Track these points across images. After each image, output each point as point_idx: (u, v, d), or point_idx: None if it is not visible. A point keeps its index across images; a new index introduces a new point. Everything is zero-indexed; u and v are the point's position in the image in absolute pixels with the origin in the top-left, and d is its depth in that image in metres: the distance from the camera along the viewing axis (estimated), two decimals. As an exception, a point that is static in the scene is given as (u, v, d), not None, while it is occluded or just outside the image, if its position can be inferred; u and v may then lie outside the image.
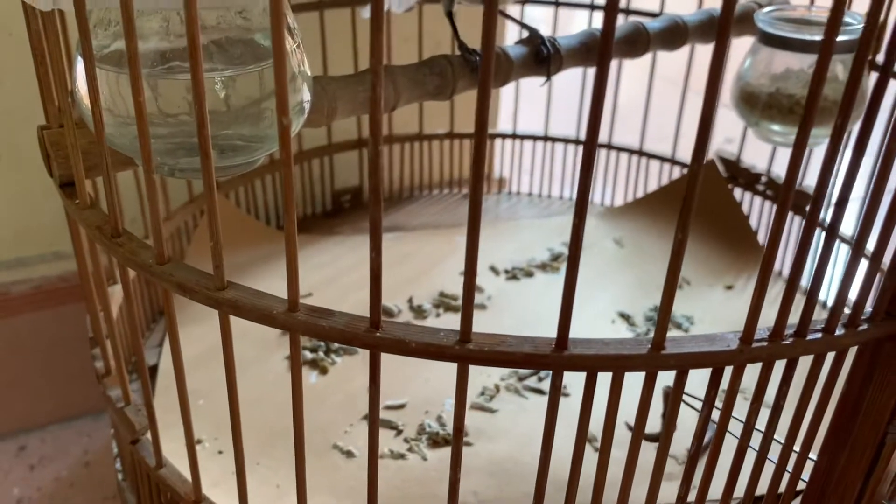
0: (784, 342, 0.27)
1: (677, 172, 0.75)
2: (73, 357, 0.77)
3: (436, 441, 0.50)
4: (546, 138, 0.78)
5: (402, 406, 0.53)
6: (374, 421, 0.28)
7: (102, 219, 0.33)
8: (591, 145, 0.23)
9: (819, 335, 0.27)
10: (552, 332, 0.62)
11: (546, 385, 0.55)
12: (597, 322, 0.62)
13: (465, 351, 0.26)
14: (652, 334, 0.62)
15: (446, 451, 0.49)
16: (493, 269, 0.68)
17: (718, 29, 0.22)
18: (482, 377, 0.56)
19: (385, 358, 0.58)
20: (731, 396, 0.28)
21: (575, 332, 0.63)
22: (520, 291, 0.66)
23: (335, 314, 0.28)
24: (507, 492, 0.46)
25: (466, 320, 0.26)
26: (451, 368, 0.56)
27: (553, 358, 0.26)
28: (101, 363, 0.42)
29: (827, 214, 0.68)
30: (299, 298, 0.28)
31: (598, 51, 0.22)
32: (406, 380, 0.55)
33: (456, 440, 0.28)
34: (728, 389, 0.28)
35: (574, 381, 0.55)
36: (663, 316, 0.26)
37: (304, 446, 0.31)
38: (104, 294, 0.36)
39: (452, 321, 0.61)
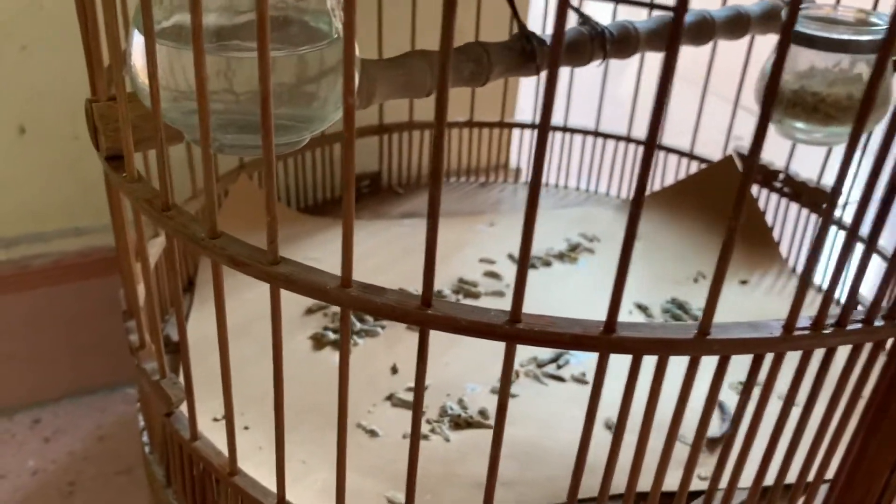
0: (825, 332, 0.27)
1: (695, 167, 0.75)
2: (88, 332, 0.78)
3: (457, 423, 0.51)
4: (565, 129, 0.79)
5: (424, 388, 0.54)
6: (418, 398, 0.29)
7: (152, 192, 0.33)
8: (653, 136, 0.24)
9: (859, 325, 0.28)
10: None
11: (564, 372, 0.56)
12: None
13: (514, 330, 0.27)
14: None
15: (468, 433, 0.50)
16: (512, 258, 0.69)
17: (782, 29, 0.23)
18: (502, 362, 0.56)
19: (406, 341, 0.59)
20: (769, 383, 0.29)
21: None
22: (538, 280, 0.66)
23: (387, 291, 0.28)
24: (529, 474, 0.47)
25: (518, 300, 0.27)
26: (470, 353, 0.57)
27: (601, 340, 0.27)
28: (135, 336, 0.43)
29: (845, 215, 0.69)
30: (351, 275, 0.29)
31: (665, 54, 0.22)
32: (428, 363, 0.56)
33: (500, 416, 0.29)
34: (767, 377, 0.29)
35: (592, 368, 0.56)
36: (711, 301, 0.26)
37: (347, 418, 0.31)
38: (147, 268, 0.37)
39: (471, 307, 0.62)
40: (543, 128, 0.24)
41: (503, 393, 0.28)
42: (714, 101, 0.75)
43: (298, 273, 0.29)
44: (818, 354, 0.29)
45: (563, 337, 0.27)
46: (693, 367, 0.28)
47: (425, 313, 0.27)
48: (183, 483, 0.42)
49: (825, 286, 0.61)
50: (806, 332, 0.27)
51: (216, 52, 0.31)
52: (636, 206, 0.25)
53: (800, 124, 0.57)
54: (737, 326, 0.27)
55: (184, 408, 0.40)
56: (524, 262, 0.26)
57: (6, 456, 0.74)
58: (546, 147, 0.24)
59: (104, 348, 0.79)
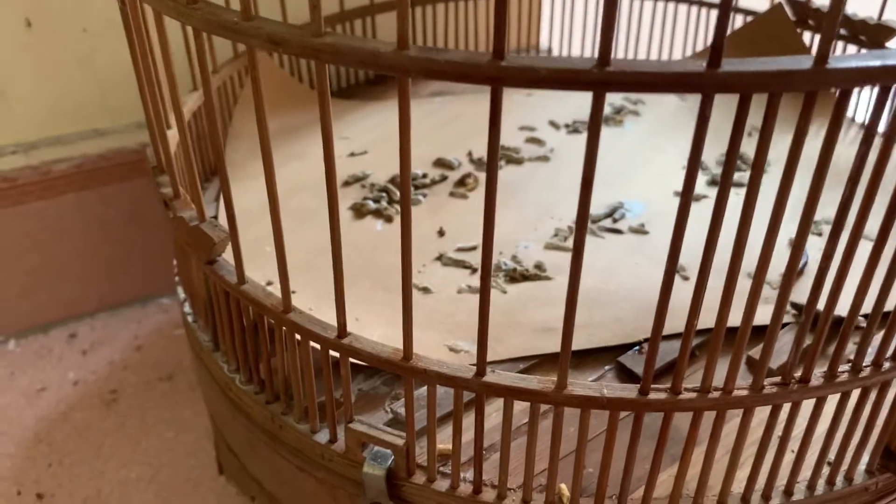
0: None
1: (739, 21, 0.71)
2: (116, 242, 0.75)
3: (513, 277, 0.48)
4: (599, -7, 0.74)
5: (473, 248, 0.51)
6: (492, 166, 0.26)
7: (174, -10, 0.30)
8: None
9: None
10: (620, 182, 0.59)
11: (621, 225, 0.53)
12: (666, 170, 0.59)
13: (604, 74, 0.23)
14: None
15: (525, 286, 0.47)
16: (553, 124, 0.65)
17: None
18: (553, 221, 0.53)
19: (449, 207, 0.55)
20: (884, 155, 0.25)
21: (644, 182, 0.60)
22: (582, 144, 0.62)
23: (450, 51, 0.25)
24: (596, 317, 0.44)
25: (606, 43, 0.23)
26: (520, 214, 0.54)
27: (706, 76, 0.23)
28: (168, 189, 0.40)
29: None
30: (409, 39, 0.25)
31: None
32: (474, 226, 0.53)
33: (584, 190, 0.25)
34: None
35: (654, 219, 0.53)
36: (830, 22, 0.23)
37: (410, 201, 0.28)
38: (176, 96, 0.33)
39: (515, 172, 0.59)
40: None
41: (590, 154, 0.25)
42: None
43: (345, 41, 0.25)
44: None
45: (661, 77, 0.23)
46: (809, 104, 0.24)
47: (499, 65, 0.24)
48: (232, 339, 0.40)
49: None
50: (939, 58, 0.24)
51: None
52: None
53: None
54: (856, 57, 0.24)
55: (227, 256, 0.37)
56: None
57: (46, 370, 0.72)
58: None
59: (134, 259, 0.77)
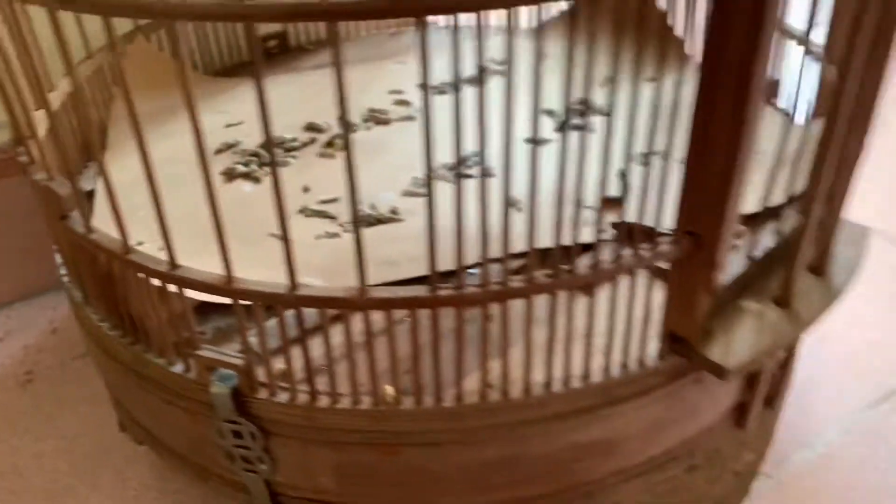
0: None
1: (596, -19, 0.75)
2: (26, 232, 0.78)
3: (370, 222, 0.52)
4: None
5: (334, 200, 0.55)
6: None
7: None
8: None
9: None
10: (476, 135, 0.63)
11: (475, 171, 0.57)
12: (521, 122, 0.64)
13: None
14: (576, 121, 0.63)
15: (378, 228, 0.51)
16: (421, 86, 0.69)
17: None
18: (414, 171, 0.58)
19: (317, 167, 0.59)
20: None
21: (498, 133, 0.63)
22: (448, 103, 0.67)
23: (209, -4, 0.29)
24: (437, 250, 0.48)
25: None
26: (383, 169, 0.58)
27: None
28: (25, 157, 0.43)
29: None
30: None
31: None
32: (339, 182, 0.57)
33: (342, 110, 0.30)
34: None
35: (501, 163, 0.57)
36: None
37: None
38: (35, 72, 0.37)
39: (382, 132, 0.63)
40: None
41: (338, 75, 0.29)
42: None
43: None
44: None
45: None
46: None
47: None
48: (94, 288, 0.44)
49: None
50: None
51: None
52: None
53: None
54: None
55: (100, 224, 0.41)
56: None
57: (-38, 359, 0.75)
58: None
59: (46, 249, 0.79)
